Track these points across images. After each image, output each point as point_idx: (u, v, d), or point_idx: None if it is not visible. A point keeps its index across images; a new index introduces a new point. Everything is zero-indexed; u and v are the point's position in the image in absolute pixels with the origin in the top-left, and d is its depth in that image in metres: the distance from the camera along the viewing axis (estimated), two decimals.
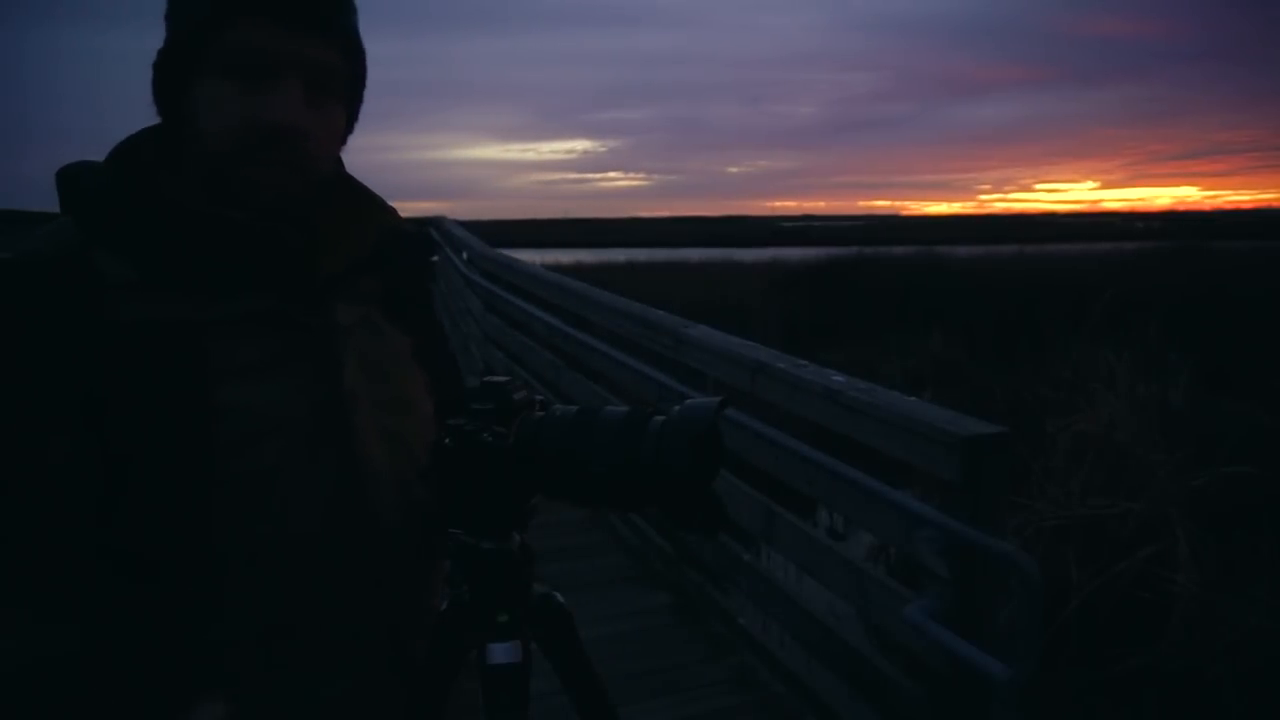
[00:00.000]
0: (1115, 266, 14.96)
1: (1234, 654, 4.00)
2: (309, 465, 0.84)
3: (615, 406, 0.82)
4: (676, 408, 0.77)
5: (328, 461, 0.86)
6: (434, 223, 10.75)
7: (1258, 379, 7.61)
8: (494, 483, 0.82)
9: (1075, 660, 4.22)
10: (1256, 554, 4.49)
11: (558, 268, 12.29)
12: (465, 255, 7.68)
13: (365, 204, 0.97)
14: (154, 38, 0.85)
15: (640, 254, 22.68)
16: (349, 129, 0.93)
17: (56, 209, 0.85)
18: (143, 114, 0.87)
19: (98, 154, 0.86)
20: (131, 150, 0.86)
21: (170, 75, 0.84)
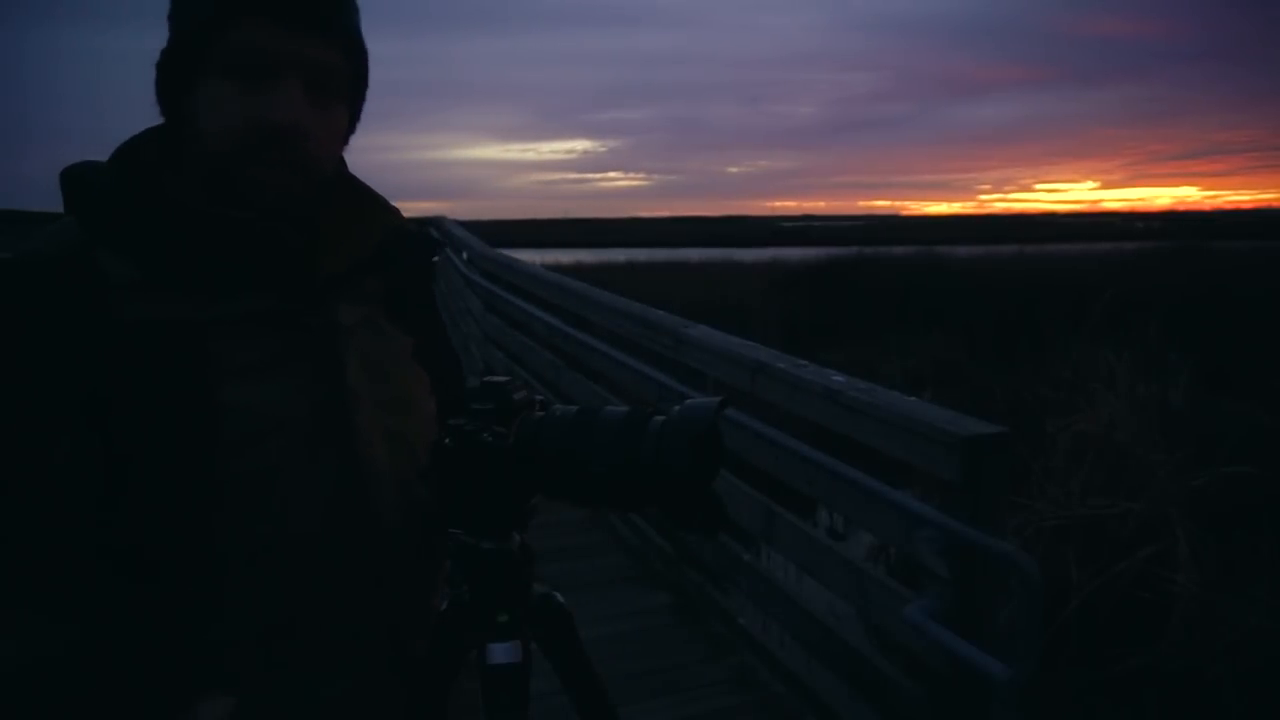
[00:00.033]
0: (1115, 266, 14.96)
1: (1234, 654, 4.00)
2: (310, 465, 0.84)
3: (615, 406, 0.82)
4: (676, 408, 0.77)
5: (329, 461, 0.86)
6: (434, 223, 10.75)
7: (1258, 379, 7.62)
8: (494, 483, 0.82)
9: (1075, 660, 4.22)
10: (1256, 554, 4.49)
11: (558, 268, 12.29)
12: (465, 255, 7.68)
13: (368, 204, 0.97)
14: (154, 38, 0.85)
15: (640, 254, 22.67)
16: (351, 129, 0.93)
17: (56, 209, 0.85)
18: (143, 114, 0.88)
19: (97, 154, 0.86)
20: (134, 150, 0.86)
21: (173, 75, 0.84)
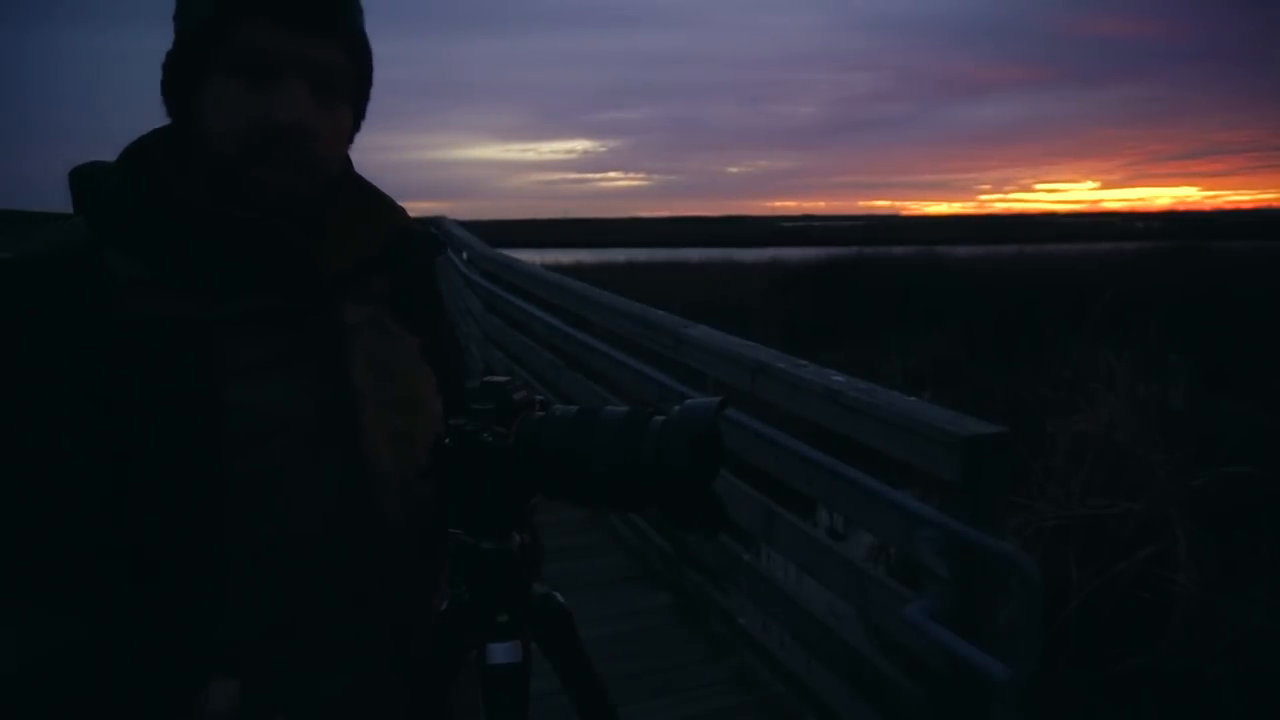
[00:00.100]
0: (1115, 266, 14.95)
1: (1234, 654, 4.00)
2: (314, 465, 0.84)
3: (615, 406, 0.82)
4: (676, 408, 0.77)
5: (333, 461, 0.86)
6: (434, 223, 10.75)
7: (1258, 379, 7.62)
8: (494, 483, 0.82)
9: (1075, 660, 4.22)
10: (1256, 554, 4.49)
11: (558, 268, 12.28)
12: (465, 255, 7.68)
13: (373, 203, 0.97)
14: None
15: (640, 254, 22.66)
16: (356, 128, 0.93)
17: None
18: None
19: (97, 154, 0.87)
20: (141, 150, 0.86)
21: (178, 76, 0.84)
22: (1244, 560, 4.50)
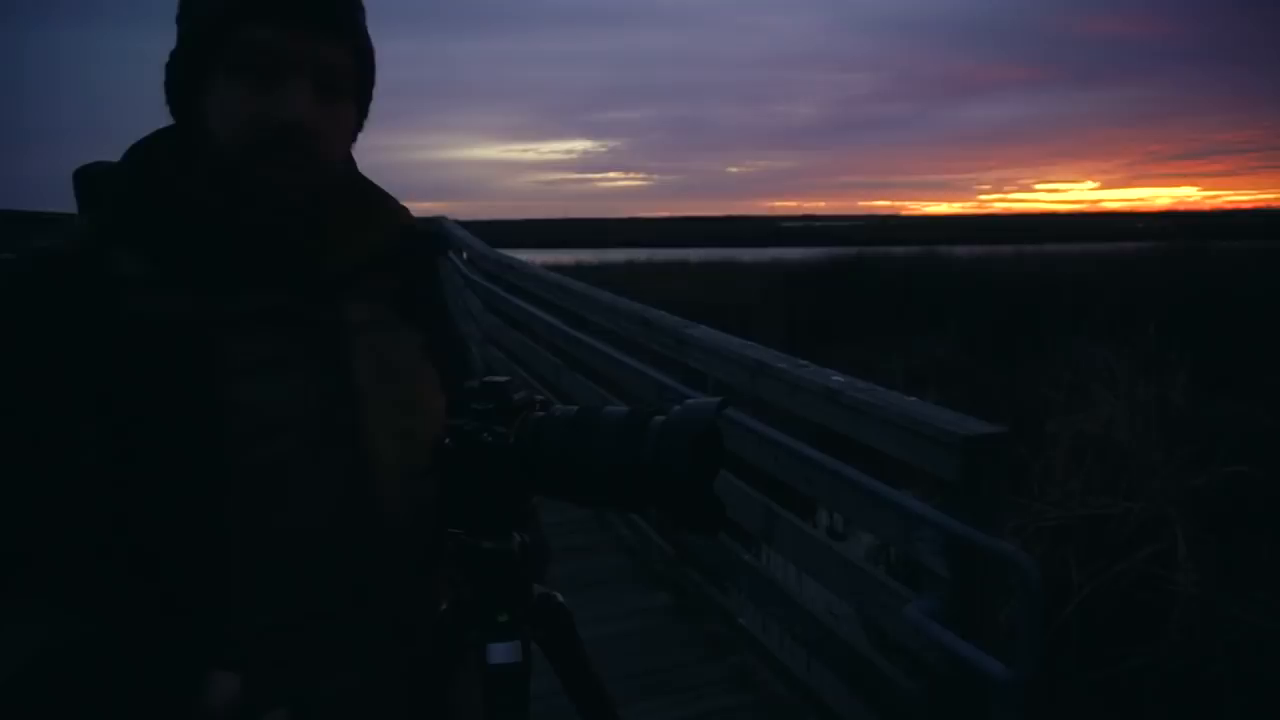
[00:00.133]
0: (1115, 266, 14.95)
1: (1234, 654, 4.01)
2: (317, 463, 0.85)
3: (615, 406, 0.82)
4: (676, 408, 0.77)
5: (336, 460, 0.86)
6: (434, 223, 10.75)
7: (1258, 379, 7.62)
8: (494, 483, 0.82)
9: (1075, 660, 4.22)
10: (1256, 554, 4.49)
11: (558, 268, 12.28)
12: (465, 255, 7.68)
13: (376, 203, 0.97)
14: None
15: (640, 254, 22.65)
16: (359, 128, 0.94)
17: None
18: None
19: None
20: (146, 150, 0.87)
21: (181, 76, 0.85)
22: (1244, 560, 4.50)
